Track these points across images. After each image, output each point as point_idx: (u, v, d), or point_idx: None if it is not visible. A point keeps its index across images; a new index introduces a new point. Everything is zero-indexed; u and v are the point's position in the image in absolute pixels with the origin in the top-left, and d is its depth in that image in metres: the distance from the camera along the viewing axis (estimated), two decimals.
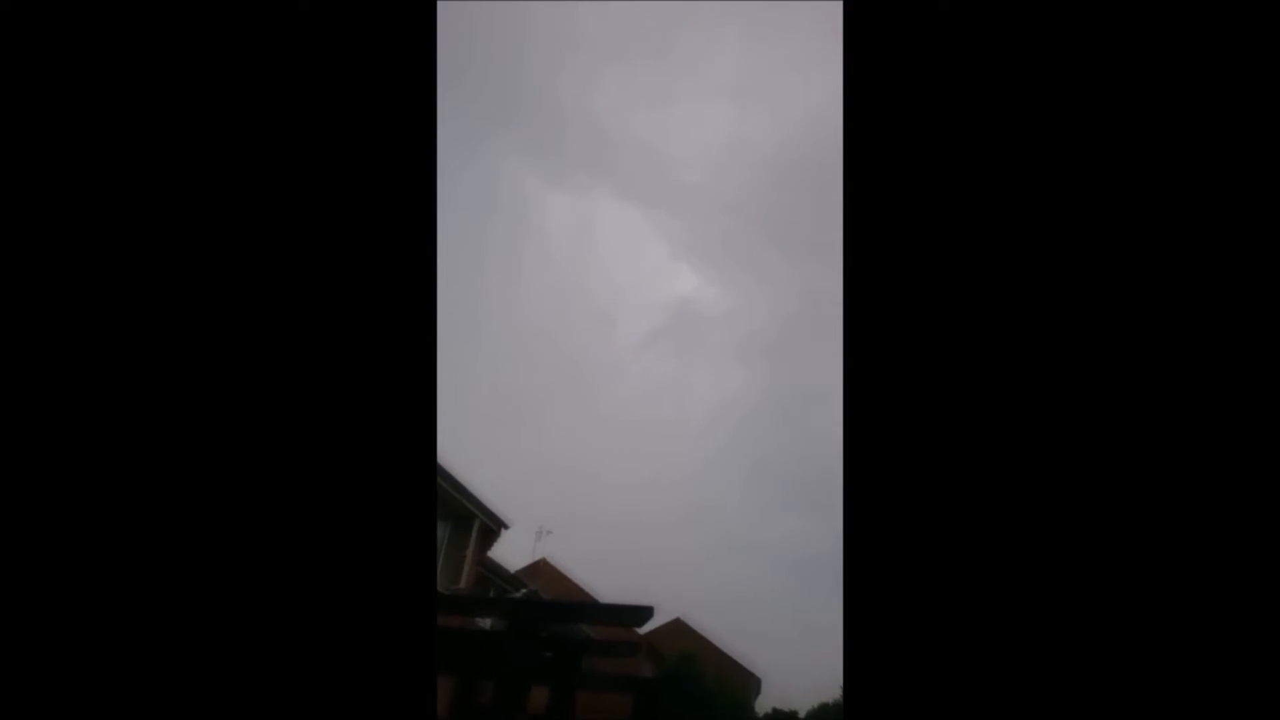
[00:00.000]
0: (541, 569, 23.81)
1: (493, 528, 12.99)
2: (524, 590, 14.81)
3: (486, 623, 9.04)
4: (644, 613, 3.59)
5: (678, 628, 29.21)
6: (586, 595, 22.01)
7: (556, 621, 4.38)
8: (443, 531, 12.06)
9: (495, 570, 13.84)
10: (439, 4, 1.48)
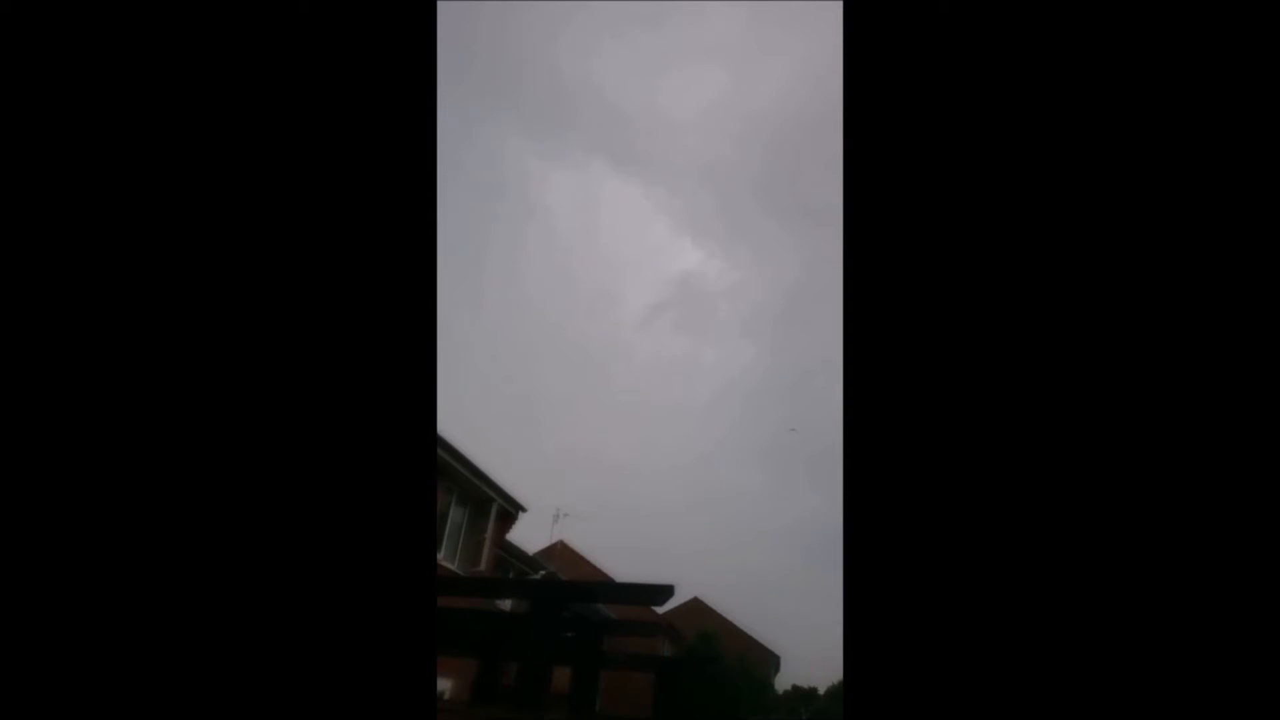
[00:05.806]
0: (559, 551, 24.08)
1: (510, 511, 13.15)
2: (542, 572, 15.00)
3: (506, 604, 9.16)
4: (664, 592, 3.57)
5: (696, 607, 29.52)
6: (604, 576, 22.23)
7: (577, 602, 4.39)
8: (461, 515, 12.21)
9: (513, 553, 14.02)
10: None
